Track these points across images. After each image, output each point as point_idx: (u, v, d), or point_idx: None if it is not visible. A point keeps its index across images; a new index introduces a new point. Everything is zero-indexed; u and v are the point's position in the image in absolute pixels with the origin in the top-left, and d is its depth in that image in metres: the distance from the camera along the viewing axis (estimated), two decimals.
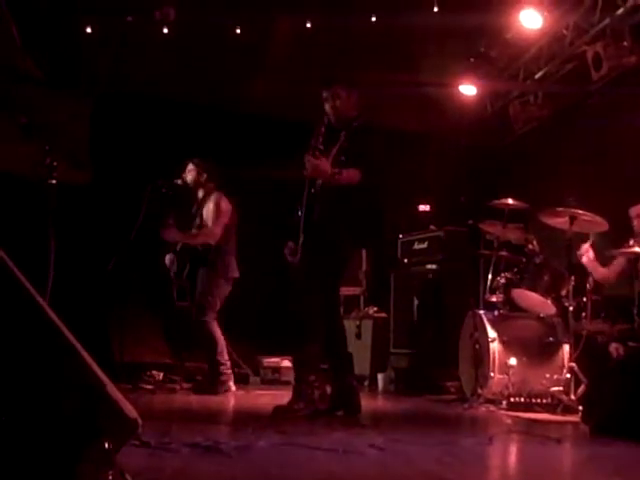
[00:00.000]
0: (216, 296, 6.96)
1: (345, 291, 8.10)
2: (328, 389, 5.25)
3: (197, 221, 7.17)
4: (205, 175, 7.14)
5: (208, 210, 7.08)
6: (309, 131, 5.29)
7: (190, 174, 7.17)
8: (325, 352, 5.24)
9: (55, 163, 4.36)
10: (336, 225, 5.15)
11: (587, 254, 6.06)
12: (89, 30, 7.75)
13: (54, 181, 4.46)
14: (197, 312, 6.92)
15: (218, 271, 7.00)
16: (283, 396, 5.35)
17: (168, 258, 7.18)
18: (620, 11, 7.07)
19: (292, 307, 5.22)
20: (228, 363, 6.93)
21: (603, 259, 6.19)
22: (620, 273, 6.11)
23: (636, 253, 5.70)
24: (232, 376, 6.98)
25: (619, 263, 6.14)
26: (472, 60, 8.67)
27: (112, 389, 2.00)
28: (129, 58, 7.92)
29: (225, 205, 7.07)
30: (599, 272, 6.10)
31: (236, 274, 7.09)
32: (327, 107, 5.31)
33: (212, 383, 6.85)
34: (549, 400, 5.99)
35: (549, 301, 6.23)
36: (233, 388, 6.92)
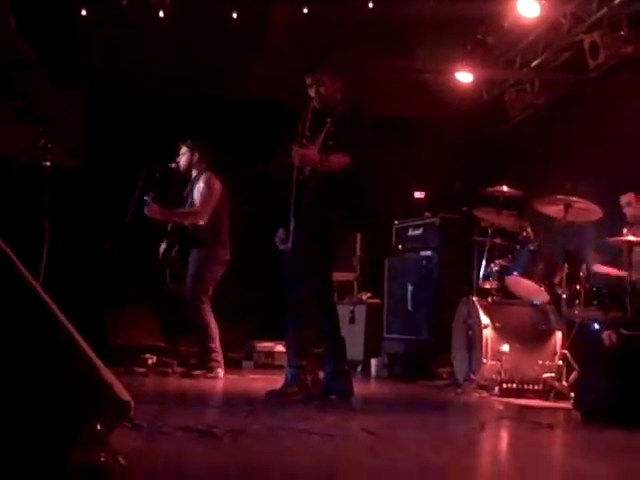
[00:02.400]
0: (208, 279, 6.92)
1: (339, 277, 8.11)
2: (320, 374, 5.27)
3: (189, 201, 7.12)
4: (197, 155, 7.11)
5: (198, 190, 7.04)
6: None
7: (183, 156, 7.15)
8: (318, 337, 5.26)
9: (49, 145, 4.36)
10: (326, 210, 5.15)
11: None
12: (84, 13, 7.72)
13: (48, 163, 4.45)
14: (189, 295, 6.90)
15: (210, 253, 6.95)
16: (276, 380, 5.37)
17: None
18: (617, 0, 7.05)
19: (285, 293, 5.23)
20: (219, 349, 6.90)
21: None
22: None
23: (629, 242, 5.71)
24: (222, 362, 6.94)
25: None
26: (469, 47, 8.64)
27: (105, 372, 2.00)
28: (124, 42, 7.92)
29: (216, 185, 7.03)
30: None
31: (227, 256, 7.04)
32: (312, 93, 5.31)
33: (201, 368, 6.84)
34: (541, 386, 6.02)
35: (542, 288, 6.25)
36: (222, 374, 6.88)
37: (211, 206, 6.96)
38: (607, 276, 6.03)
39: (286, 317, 5.25)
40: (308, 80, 5.32)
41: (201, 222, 6.95)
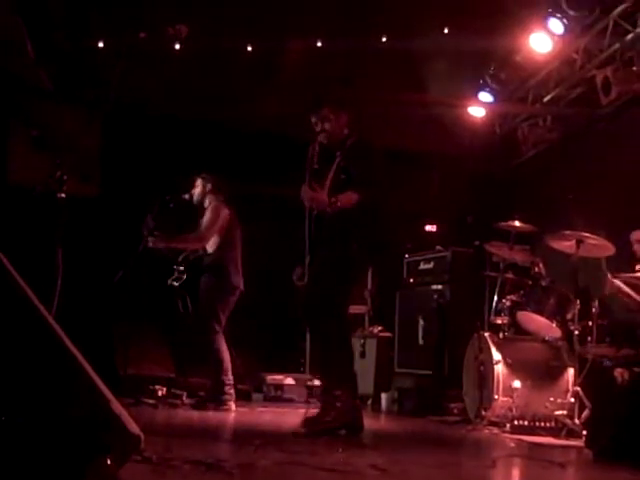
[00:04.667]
0: (218, 308, 6.89)
1: (350, 310, 8.08)
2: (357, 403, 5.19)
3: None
4: (210, 185, 7.15)
5: (205, 216, 7.08)
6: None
7: (197, 188, 7.19)
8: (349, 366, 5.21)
9: (65, 177, 4.38)
10: (341, 245, 5.13)
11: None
12: (101, 45, 7.81)
13: (64, 194, 4.48)
14: (200, 325, 6.87)
15: (220, 282, 6.94)
16: (286, 414, 5.34)
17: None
18: (630, 36, 7.10)
19: (305, 328, 5.16)
20: (232, 382, 6.84)
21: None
22: None
23: None
24: (234, 396, 6.88)
25: None
26: (482, 82, 8.69)
27: (116, 405, 2.00)
28: (140, 73, 7.99)
29: (223, 212, 7.04)
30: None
31: (240, 285, 7.01)
32: (318, 130, 5.33)
33: (213, 401, 6.79)
34: (553, 424, 5.96)
35: (554, 324, 6.22)
36: (233, 408, 6.83)
37: (214, 231, 6.97)
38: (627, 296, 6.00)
39: (314, 350, 5.16)
40: (313, 118, 5.35)
41: (207, 247, 6.95)
